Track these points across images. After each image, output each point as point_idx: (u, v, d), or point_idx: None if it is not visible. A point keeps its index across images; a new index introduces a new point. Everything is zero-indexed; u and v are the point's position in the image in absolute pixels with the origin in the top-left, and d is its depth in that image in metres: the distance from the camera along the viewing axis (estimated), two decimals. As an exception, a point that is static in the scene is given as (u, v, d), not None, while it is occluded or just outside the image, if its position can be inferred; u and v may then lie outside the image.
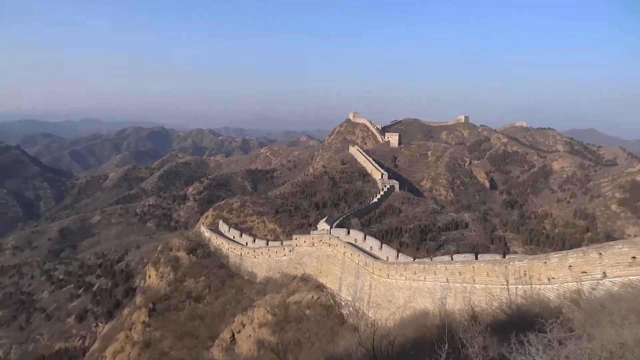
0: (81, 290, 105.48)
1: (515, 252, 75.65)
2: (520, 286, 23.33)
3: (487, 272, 26.55)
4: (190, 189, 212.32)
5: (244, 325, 47.00)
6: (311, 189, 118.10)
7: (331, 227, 56.27)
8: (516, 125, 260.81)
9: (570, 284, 20.17)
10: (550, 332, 11.69)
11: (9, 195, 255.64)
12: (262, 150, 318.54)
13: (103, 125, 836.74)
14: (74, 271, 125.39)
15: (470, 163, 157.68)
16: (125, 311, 70.14)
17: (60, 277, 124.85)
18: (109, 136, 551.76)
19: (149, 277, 70.80)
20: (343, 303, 44.80)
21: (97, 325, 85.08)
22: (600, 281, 18.55)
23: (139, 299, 67.14)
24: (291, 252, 54.80)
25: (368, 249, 44.58)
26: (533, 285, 22.44)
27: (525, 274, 23.19)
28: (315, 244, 50.98)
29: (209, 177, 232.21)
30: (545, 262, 21.99)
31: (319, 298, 46.08)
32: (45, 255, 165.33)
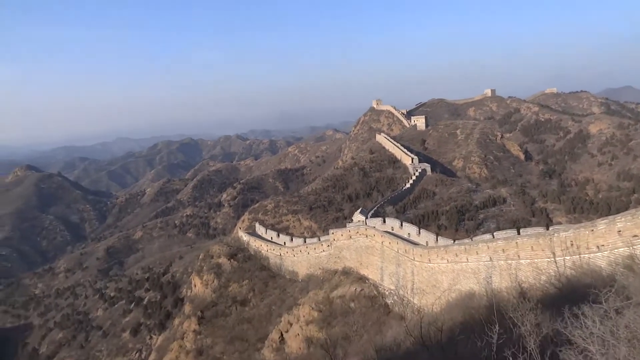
0: (132, 305, 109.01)
1: (559, 223, 73.11)
2: (568, 257, 22.47)
3: (532, 247, 25.72)
4: (224, 195, 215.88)
5: (291, 324, 47.41)
6: (342, 181, 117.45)
7: (366, 218, 55.92)
8: (546, 92, 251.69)
9: (622, 249, 19.25)
10: (605, 302, 11.08)
11: (57, 220, 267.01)
12: (289, 149, 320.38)
13: (135, 143, 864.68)
14: (123, 287, 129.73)
15: (501, 137, 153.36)
16: (176, 321, 72.05)
17: (112, 294, 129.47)
18: (141, 153, 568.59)
19: (195, 285, 72.48)
20: (387, 292, 44.48)
21: (151, 338, 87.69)
22: (654, 243, 17.63)
23: (187, 308, 68.87)
24: (329, 247, 54.81)
25: (406, 236, 44.03)
26: (582, 255, 21.56)
27: (572, 244, 22.31)
28: (352, 237, 50.78)
29: (241, 181, 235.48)
30: (592, 230, 21.07)
31: (362, 290, 45.94)
32: (96, 275, 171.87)
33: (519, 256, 26.86)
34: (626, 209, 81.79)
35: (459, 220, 77.01)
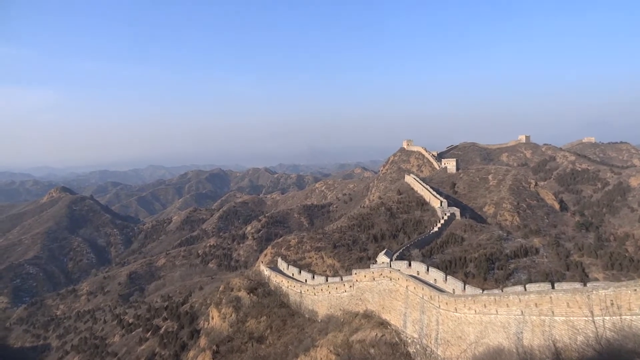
0: (149, 334, 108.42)
1: (596, 279, 69.71)
2: (607, 317, 21.00)
3: (568, 303, 24.28)
4: (249, 227, 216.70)
5: (307, 366, 45.88)
6: (368, 221, 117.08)
7: (391, 260, 54.82)
8: (584, 141, 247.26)
9: (669, 313, 17.85)
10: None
11: (84, 243, 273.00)
12: (316, 185, 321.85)
13: (166, 171, 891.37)
14: (142, 314, 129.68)
15: (535, 184, 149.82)
16: (191, 354, 71.00)
17: (130, 320, 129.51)
18: (171, 181, 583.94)
19: (212, 318, 71.70)
20: (409, 340, 42.69)
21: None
22: None
23: (202, 341, 67.92)
24: (351, 287, 53.57)
25: (432, 282, 42.71)
26: (623, 317, 20.12)
27: (612, 304, 20.90)
28: (375, 279, 49.57)
29: (266, 215, 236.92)
30: (636, 290, 19.73)
31: (383, 336, 44.27)
32: (116, 300, 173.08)
33: (553, 312, 25.37)
34: (670, 268, 77.29)
35: (488, 269, 74.24)
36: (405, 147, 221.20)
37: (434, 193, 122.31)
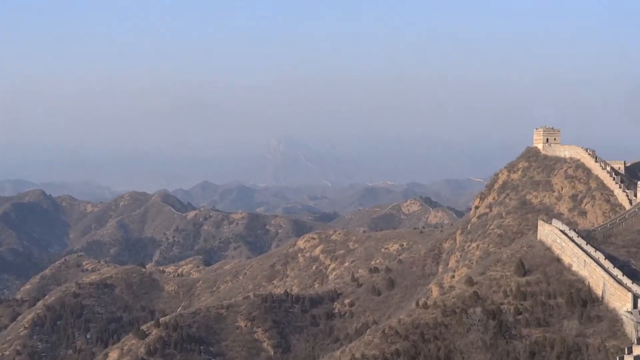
0: None
1: None
2: None
3: None
4: (114, 353, 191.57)
5: None
6: (436, 344, 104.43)
7: None
8: None
9: None
10: None
11: None
12: (300, 243, 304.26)
13: None
14: None
15: None
16: None
17: None
18: None
19: None
20: None
21: None
22: None
23: None
24: None
25: None
26: None
27: None
28: None
29: (162, 319, 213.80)
30: None
31: None
32: None
33: None
34: None
35: None
36: (539, 147, 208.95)
37: (615, 273, 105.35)
